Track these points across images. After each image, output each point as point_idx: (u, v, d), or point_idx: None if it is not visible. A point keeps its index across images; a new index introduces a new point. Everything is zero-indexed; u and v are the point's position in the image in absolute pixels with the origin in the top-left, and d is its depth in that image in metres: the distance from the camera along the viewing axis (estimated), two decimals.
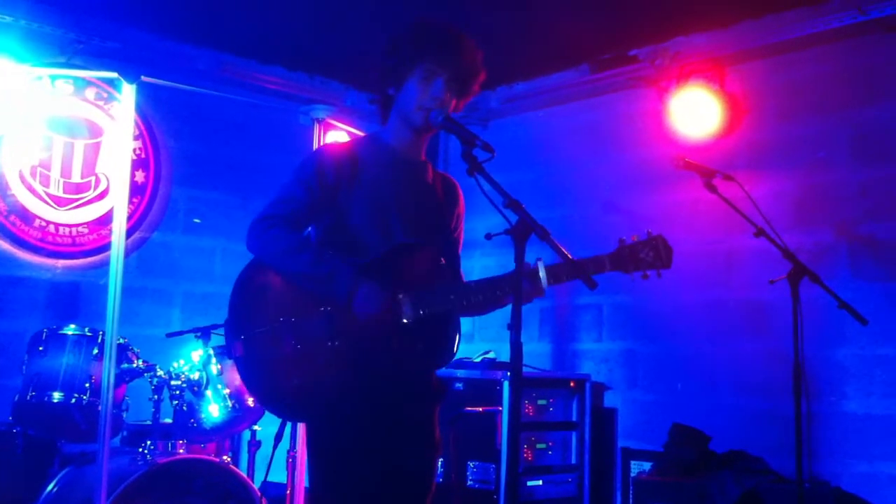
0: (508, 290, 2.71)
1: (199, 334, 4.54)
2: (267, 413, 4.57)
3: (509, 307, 2.57)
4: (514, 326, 2.58)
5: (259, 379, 2.81)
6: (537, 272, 2.77)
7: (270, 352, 2.76)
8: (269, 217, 2.81)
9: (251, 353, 2.79)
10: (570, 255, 2.53)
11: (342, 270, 2.72)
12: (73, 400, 4.07)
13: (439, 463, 4.91)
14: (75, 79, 5.19)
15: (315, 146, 5.00)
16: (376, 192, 2.89)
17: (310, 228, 2.94)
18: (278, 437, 4.56)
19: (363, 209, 2.86)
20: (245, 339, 2.80)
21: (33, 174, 5.09)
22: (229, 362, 4.50)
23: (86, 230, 5.24)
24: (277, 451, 5.17)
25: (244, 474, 4.29)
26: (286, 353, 2.75)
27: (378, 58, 2.97)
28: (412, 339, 2.78)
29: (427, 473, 2.91)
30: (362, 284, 2.71)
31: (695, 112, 5.13)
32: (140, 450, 4.10)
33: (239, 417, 4.45)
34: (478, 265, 6.18)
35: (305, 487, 4.68)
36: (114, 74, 4.11)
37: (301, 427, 4.66)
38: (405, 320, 2.75)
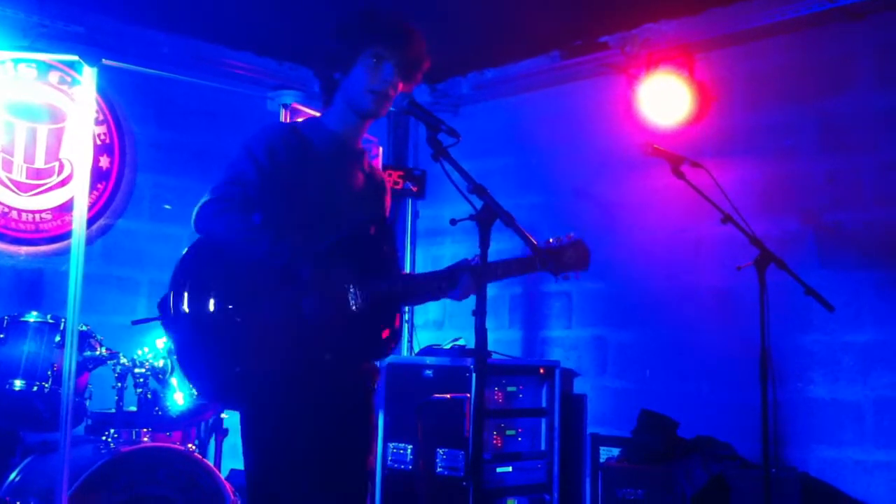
0: (447, 286, 2.82)
1: None
2: None
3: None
4: (479, 313, 2.56)
5: (196, 361, 2.73)
6: (467, 272, 2.82)
7: (211, 334, 2.69)
8: (219, 199, 2.76)
9: (191, 332, 2.71)
10: (534, 242, 2.53)
11: (297, 268, 2.69)
12: (35, 388, 4.02)
13: (409, 450, 4.94)
14: (38, 63, 5.11)
15: None
16: (325, 177, 2.88)
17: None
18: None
19: (313, 193, 2.85)
20: (186, 316, 2.70)
21: None
22: None
23: (49, 216, 5.17)
24: None
25: (210, 462, 4.26)
26: (227, 336, 2.69)
27: (323, 41, 2.97)
28: (354, 327, 2.77)
29: (363, 457, 2.89)
30: (314, 290, 2.70)
31: (664, 99, 5.12)
32: (104, 438, 4.05)
33: (204, 405, 4.40)
34: (448, 252, 6.16)
35: None
36: (74, 57, 4.05)
37: None
38: (353, 308, 2.75)
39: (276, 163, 2.81)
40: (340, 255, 2.76)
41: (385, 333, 2.86)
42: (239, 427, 2.80)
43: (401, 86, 2.92)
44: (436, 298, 2.94)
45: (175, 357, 2.83)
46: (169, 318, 2.73)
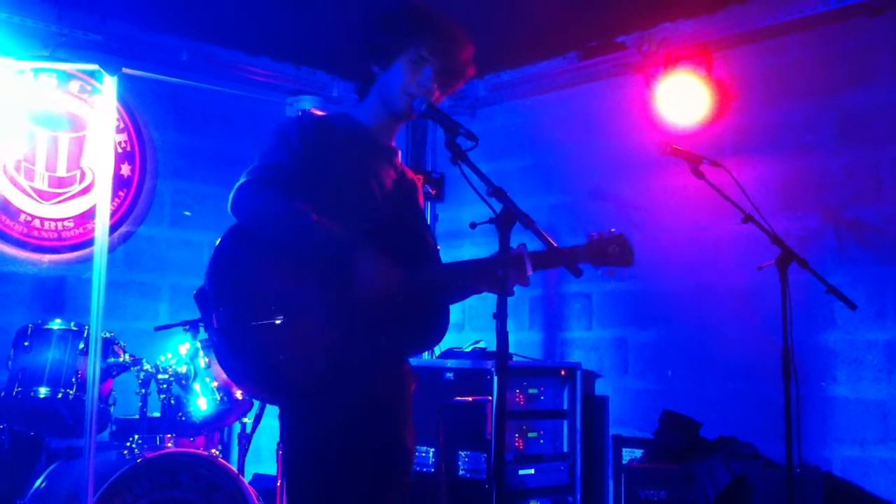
0: (490, 276, 2.65)
1: (187, 327, 4.52)
2: (256, 405, 4.57)
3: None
4: (500, 316, 2.54)
5: (237, 354, 2.66)
6: (522, 259, 2.69)
7: (253, 325, 2.61)
8: (256, 180, 2.68)
9: (231, 327, 2.64)
10: (554, 243, 2.50)
11: (342, 238, 2.61)
12: (60, 395, 4.05)
13: (430, 452, 4.94)
14: (59, 72, 5.15)
15: None
16: (356, 169, 2.80)
17: None
18: (257, 420, 4.56)
19: (345, 183, 2.77)
20: (225, 311, 2.64)
21: (17, 168, 5.06)
22: None
23: (71, 224, 5.21)
24: (267, 443, 5.18)
25: (233, 467, 4.28)
26: (270, 326, 2.61)
27: (366, 31, 2.86)
28: (402, 317, 2.71)
29: (407, 457, 2.85)
30: (365, 254, 2.61)
31: (682, 98, 5.10)
32: (128, 444, 4.08)
33: (228, 410, 4.43)
34: (467, 255, 6.13)
35: None
36: (95, 66, 4.08)
37: None
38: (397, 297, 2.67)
39: (310, 149, 2.73)
40: (380, 242, 2.68)
41: (431, 322, 2.77)
42: (278, 425, 2.73)
43: (437, 93, 2.83)
44: (475, 291, 2.81)
45: (214, 354, 2.73)
46: (207, 313, 2.67)
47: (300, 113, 4.93)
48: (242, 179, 2.71)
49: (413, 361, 5.41)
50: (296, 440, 2.72)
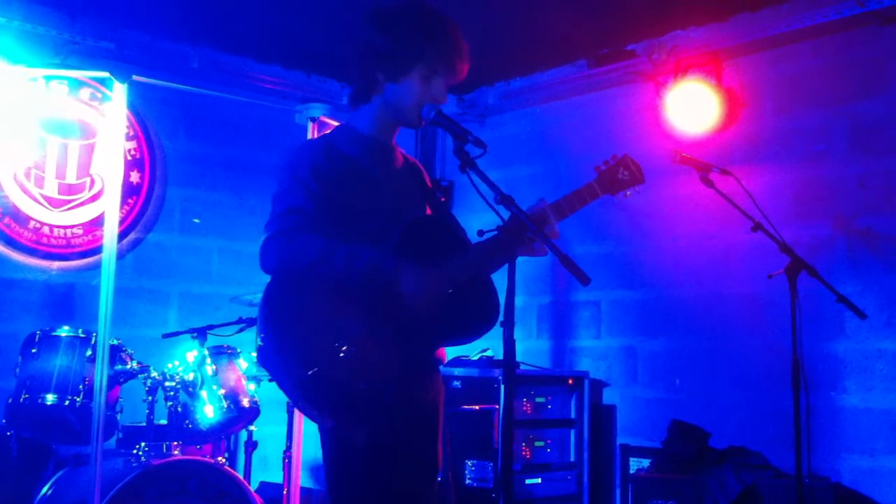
0: (520, 241, 2.70)
1: (195, 335, 4.52)
2: (263, 413, 4.56)
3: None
4: (507, 324, 2.54)
5: (319, 391, 2.57)
6: (545, 214, 2.80)
7: (322, 366, 2.55)
8: (282, 232, 2.63)
9: (301, 371, 2.56)
10: (562, 253, 2.48)
11: (379, 266, 2.60)
12: (67, 402, 4.05)
13: None
14: (70, 79, 5.17)
15: None
16: (371, 185, 2.80)
17: None
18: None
19: (365, 204, 2.76)
20: (293, 359, 2.57)
21: (27, 175, 5.07)
22: (224, 362, 4.49)
23: (81, 231, 5.22)
24: (274, 451, 5.18)
25: (239, 475, 4.28)
26: (339, 361, 2.56)
27: (371, 36, 2.80)
28: (454, 310, 2.71)
29: (438, 466, 2.85)
30: (404, 272, 2.61)
31: (692, 106, 5.10)
32: (134, 451, 4.08)
33: (234, 418, 4.43)
34: None
35: (301, 487, 4.67)
36: (105, 74, 4.10)
37: (298, 426, 4.64)
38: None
39: (324, 182, 2.69)
40: (414, 243, 2.71)
41: (486, 302, 2.77)
42: (328, 441, 2.69)
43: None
44: (512, 259, 2.70)
45: (290, 402, 2.69)
46: (275, 367, 2.60)
47: (309, 120, 4.93)
48: (265, 236, 2.66)
49: None
50: (341, 449, 2.69)
